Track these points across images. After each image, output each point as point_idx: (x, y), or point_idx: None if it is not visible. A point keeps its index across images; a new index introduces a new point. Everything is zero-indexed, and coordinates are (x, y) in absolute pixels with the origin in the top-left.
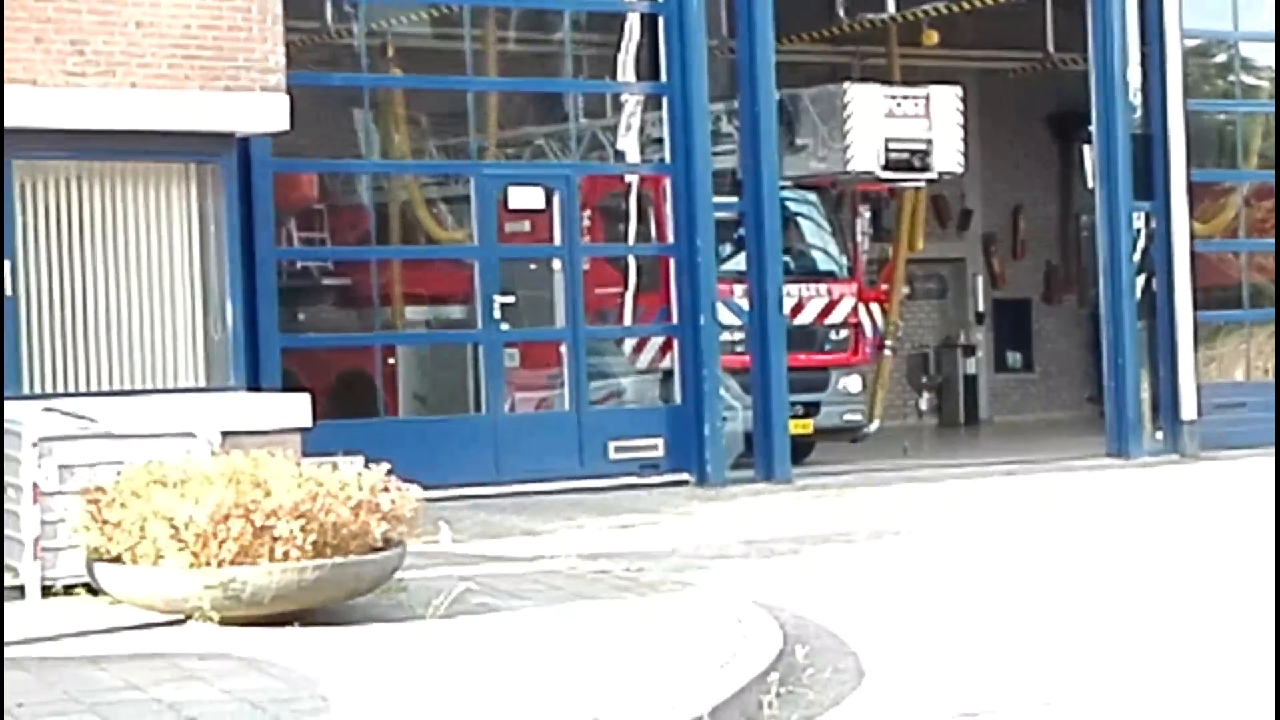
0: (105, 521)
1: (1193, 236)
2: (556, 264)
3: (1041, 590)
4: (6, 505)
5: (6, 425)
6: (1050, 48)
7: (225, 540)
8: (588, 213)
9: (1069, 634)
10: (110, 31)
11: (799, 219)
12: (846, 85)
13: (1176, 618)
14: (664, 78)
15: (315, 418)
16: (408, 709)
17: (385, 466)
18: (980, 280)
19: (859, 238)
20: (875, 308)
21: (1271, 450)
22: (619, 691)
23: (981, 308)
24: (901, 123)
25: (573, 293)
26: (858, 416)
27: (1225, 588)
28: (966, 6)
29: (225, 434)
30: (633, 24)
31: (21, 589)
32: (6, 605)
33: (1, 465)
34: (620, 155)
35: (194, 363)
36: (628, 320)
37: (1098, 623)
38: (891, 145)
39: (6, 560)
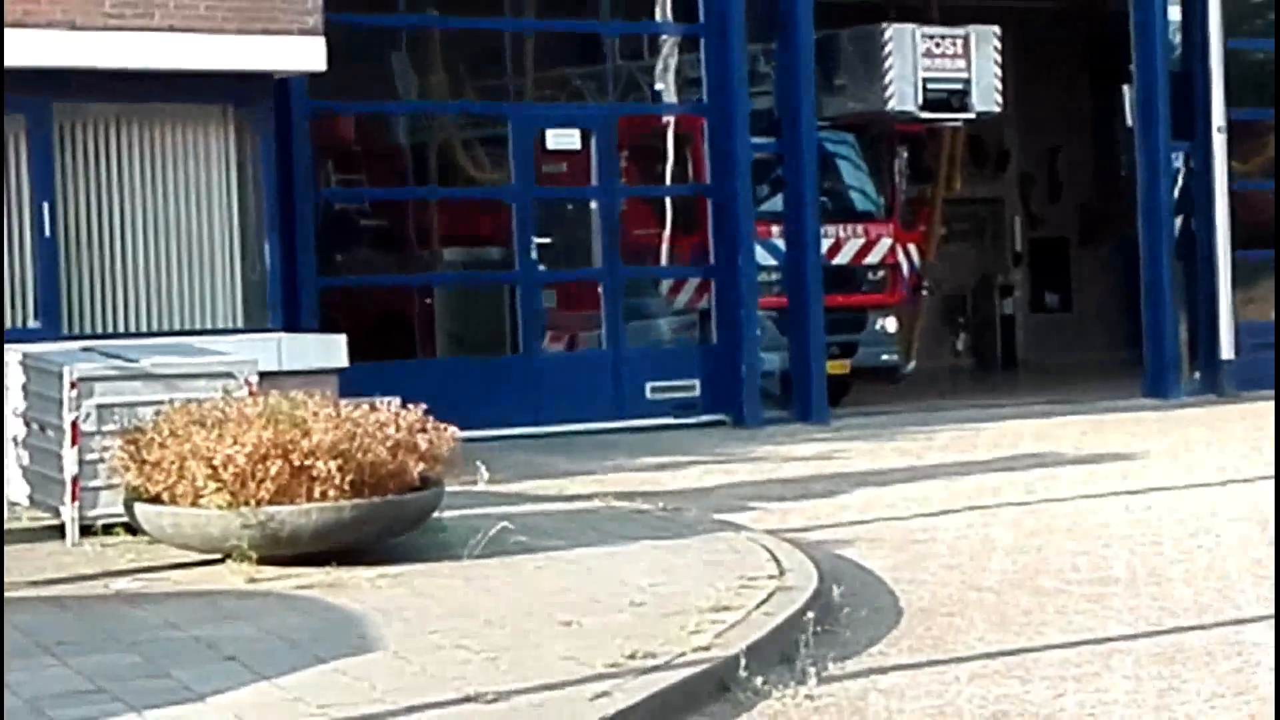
0: (144, 461)
1: (1232, 176)
2: (593, 205)
3: (1082, 531)
4: (46, 446)
5: (47, 366)
6: None
7: (263, 480)
8: (624, 154)
9: (1111, 575)
10: None
11: (836, 159)
12: (885, 25)
13: (1223, 561)
14: (701, 18)
15: (352, 359)
16: (445, 646)
17: (423, 407)
18: (1018, 221)
19: (896, 178)
20: (912, 248)
21: None
22: (654, 629)
23: (1019, 248)
24: (940, 62)
25: (609, 234)
26: (894, 357)
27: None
28: None
29: (263, 375)
30: None
31: (61, 529)
32: (46, 545)
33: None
34: (657, 96)
35: (232, 304)
36: (664, 261)
37: (1143, 563)
38: (929, 85)
39: (47, 500)
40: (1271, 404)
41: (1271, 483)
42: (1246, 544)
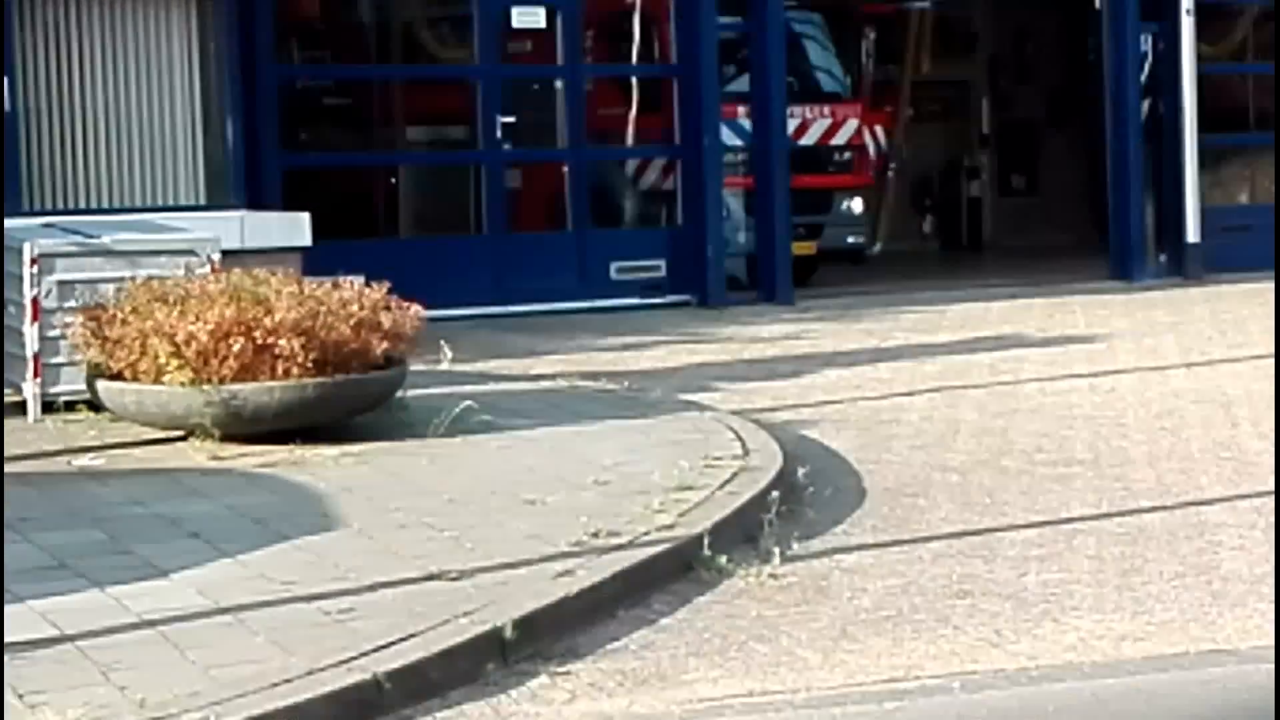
0: (106, 339)
1: (1200, 59)
2: (559, 85)
3: (1046, 412)
4: (8, 323)
5: (8, 242)
6: None
7: (226, 357)
8: (590, 33)
9: (1074, 456)
10: None
11: (804, 40)
12: None
13: (1193, 440)
14: None
15: (316, 238)
16: (409, 524)
17: (386, 285)
18: (985, 103)
19: (864, 59)
20: (879, 130)
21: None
22: (618, 508)
23: (986, 131)
24: None
25: (575, 114)
26: (861, 239)
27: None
28: None
29: (225, 253)
30: None
31: (23, 405)
32: (9, 422)
33: (1, 282)
34: None
35: (194, 181)
36: (630, 142)
37: (1106, 444)
38: None
39: (8, 377)
40: (1235, 287)
41: (1234, 364)
42: (1209, 425)
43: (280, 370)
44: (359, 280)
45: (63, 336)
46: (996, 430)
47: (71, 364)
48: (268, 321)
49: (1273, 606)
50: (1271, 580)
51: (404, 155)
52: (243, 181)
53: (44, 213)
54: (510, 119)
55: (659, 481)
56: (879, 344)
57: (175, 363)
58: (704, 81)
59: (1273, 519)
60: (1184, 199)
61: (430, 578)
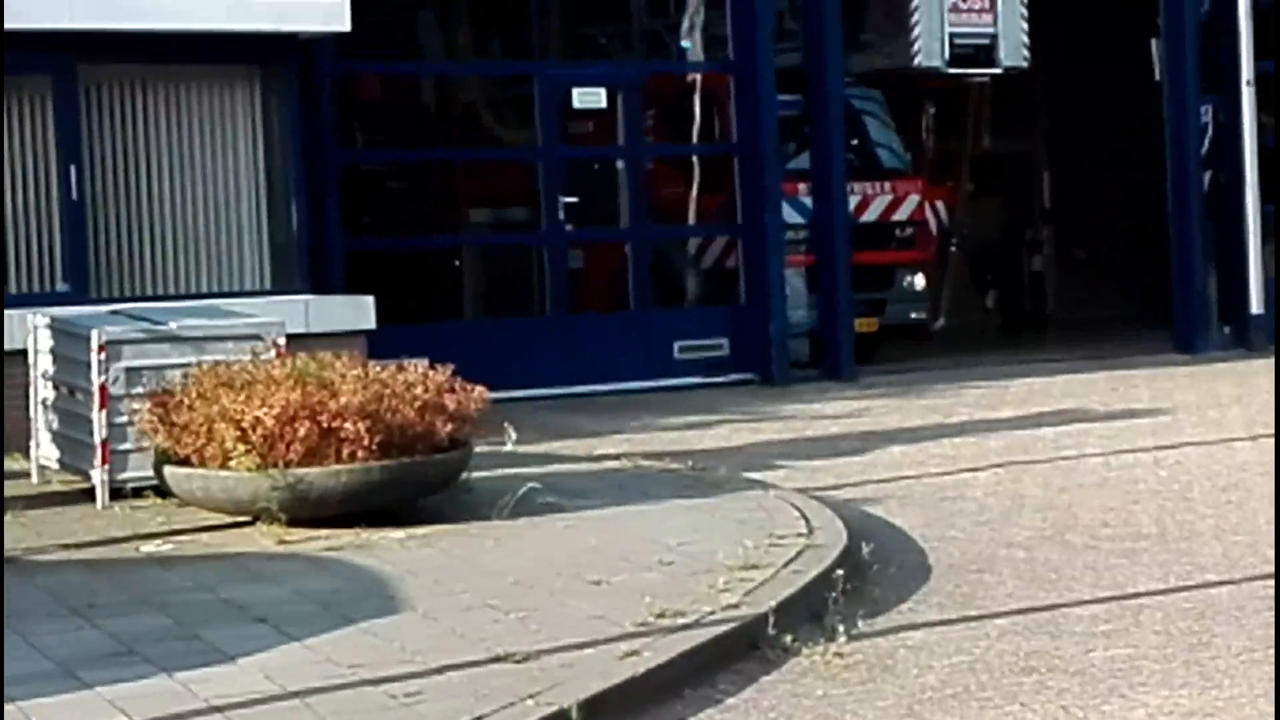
0: (173, 424)
1: (1261, 130)
2: (620, 165)
3: (1111, 486)
4: (75, 409)
5: (74, 329)
6: None
7: (292, 441)
8: (651, 113)
9: (1140, 531)
10: None
11: (863, 116)
12: None
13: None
14: None
15: (380, 321)
16: (474, 606)
17: (450, 367)
18: (1046, 176)
19: (924, 134)
20: (940, 205)
21: None
22: (683, 588)
23: (1047, 203)
24: (966, 17)
25: (636, 193)
26: (923, 314)
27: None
28: None
29: (290, 337)
30: None
31: (91, 492)
32: (77, 508)
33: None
34: (683, 54)
35: (259, 267)
36: (692, 220)
37: (1172, 518)
38: (956, 40)
39: (77, 464)
40: None
41: None
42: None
43: (345, 454)
44: (423, 363)
45: (130, 423)
46: (1061, 505)
47: (139, 450)
48: (333, 405)
49: None
50: None
51: (467, 237)
52: (307, 265)
53: (111, 300)
54: (572, 199)
55: (723, 560)
56: (942, 420)
57: (241, 447)
58: (765, 159)
59: None
60: (1247, 270)
61: (496, 660)
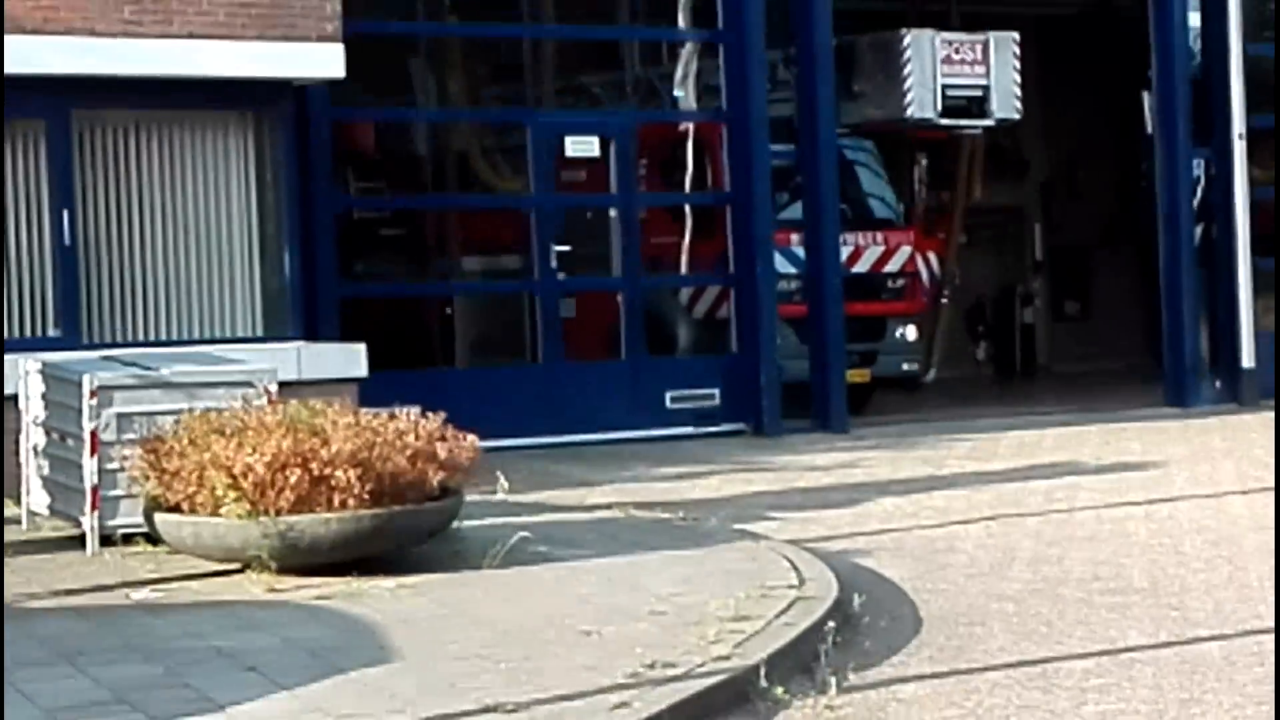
0: (164, 470)
1: (1252, 183)
2: (613, 213)
3: (1102, 540)
4: (66, 455)
5: (66, 375)
6: None
7: (283, 489)
8: (644, 161)
9: (1132, 585)
10: None
11: (856, 166)
12: (904, 31)
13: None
14: (720, 25)
15: (372, 368)
16: (465, 656)
17: (442, 416)
18: (1038, 228)
19: (916, 185)
20: (932, 256)
21: None
22: (674, 639)
23: (1039, 256)
24: (959, 69)
25: (629, 242)
26: (915, 365)
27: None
28: None
29: (282, 384)
30: None
31: (82, 538)
32: (67, 555)
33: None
34: (676, 103)
35: (252, 312)
36: (684, 269)
37: (1164, 573)
38: (949, 91)
39: (67, 510)
40: None
41: None
42: (1267, 553)
43: (337, 501)
44: (415, 410)
45: (121, 469)
46: (1053, 559)
47: (130, 496)
48: (324, 453)
49: None
50: None
51: (459, 285)
52: (300, 312)
53: (104, 345)
54: (564, 247)
55: (714, 612)
56: (934, 472)
57: (232, 494)
58: (757, 209)
59: None
60: (1238, 324)
61: (487, 710)
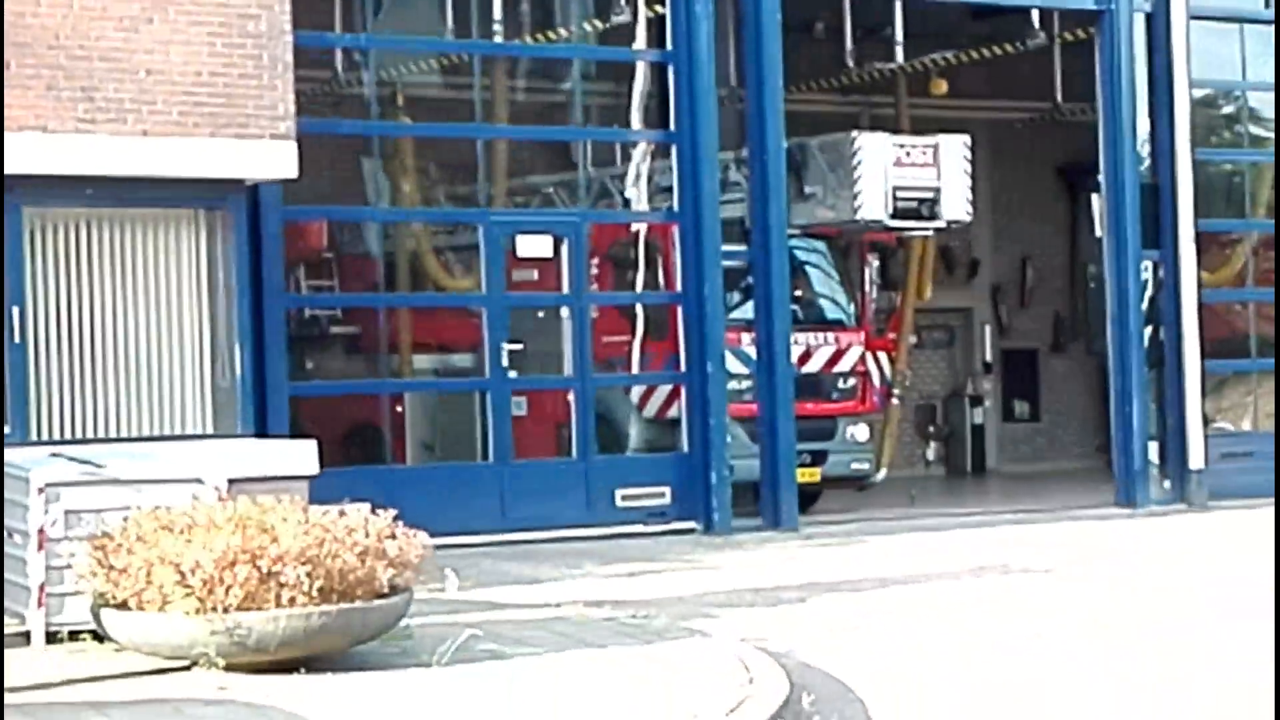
0: (111, 567)
1: (1200, 286)
2: (565, 312)
3: (1047, 639)
4: (13, 551)
5: (14, 471)
6: (1059, 97)
7: (231, 586)
8: (596, 261)
9: (1076, 685)
10: (121, 79)
11: (807, 267)
12: (855, 134)
13: (1183, 670)
14: (673, 126)
15: (322, 465)
16: None
17: (392, 513)
18: (988, 330)
19: (867, 286)
20: (883, 357)
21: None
22: None
23: (989, 357)
24: (910, 171)
25: (581, 341)
26: (865, 465)
27: (1224, 639)
28: (975, 56)
29: (232, 481)
30: (642, 73)
31: (27, 635)
32: (12, 652)
33: (1, 509)
34: (629, 203)
35: (202, 409)
36: (636, 368)
37: (1104, 674)
38: (900, 194)
39: (11, 606)
40: (1240, 514)
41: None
42: (1223, 649)
43: (285, 599)
44: (365, 508)
45: (68, 565)
46: (1003, 658)
47: (77, 593)
48: (273, 550)
49: None
50: None
51: (410, 383)
52: (250, 409)
53: (52, 441)
54: (516, 346)
55: (664, 712)
56: (883, 572)
57: (180, 591)
58: (709, 309)
59: None
60: (1186, 425)
61: None
